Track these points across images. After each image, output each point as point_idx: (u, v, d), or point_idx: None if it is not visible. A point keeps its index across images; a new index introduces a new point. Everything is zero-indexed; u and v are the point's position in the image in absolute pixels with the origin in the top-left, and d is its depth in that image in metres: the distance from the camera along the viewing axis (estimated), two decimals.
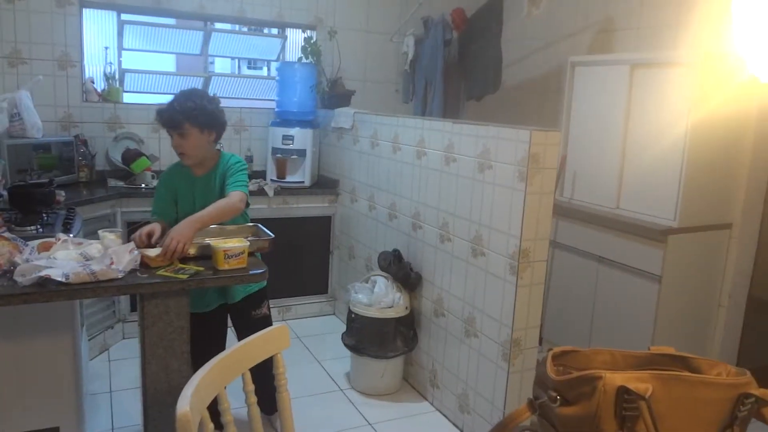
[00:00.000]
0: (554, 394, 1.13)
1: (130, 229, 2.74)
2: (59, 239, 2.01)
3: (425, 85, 4.21)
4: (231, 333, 2.65)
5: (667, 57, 2.97)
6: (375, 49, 4.51)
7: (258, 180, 3.94)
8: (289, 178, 4.01)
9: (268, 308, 2.62)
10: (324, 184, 4.14)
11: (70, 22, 3.66)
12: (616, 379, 1.06)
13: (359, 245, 3.81)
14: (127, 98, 3.98)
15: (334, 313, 4.19)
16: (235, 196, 2.30)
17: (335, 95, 4.12)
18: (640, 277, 3.00)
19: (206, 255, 2.13)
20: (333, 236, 4.12)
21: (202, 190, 2.45)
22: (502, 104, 4.34)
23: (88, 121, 3.78)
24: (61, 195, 2.92)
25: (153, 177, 3.65)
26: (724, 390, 1.09)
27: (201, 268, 2.04)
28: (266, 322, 2.54)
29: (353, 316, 3.09)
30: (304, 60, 4.08)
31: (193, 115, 2.30)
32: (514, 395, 2.52)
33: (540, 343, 2.68)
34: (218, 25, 4.33)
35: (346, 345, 3.12)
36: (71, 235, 2.14)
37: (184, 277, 1.96)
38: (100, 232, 2.14)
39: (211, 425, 1.24)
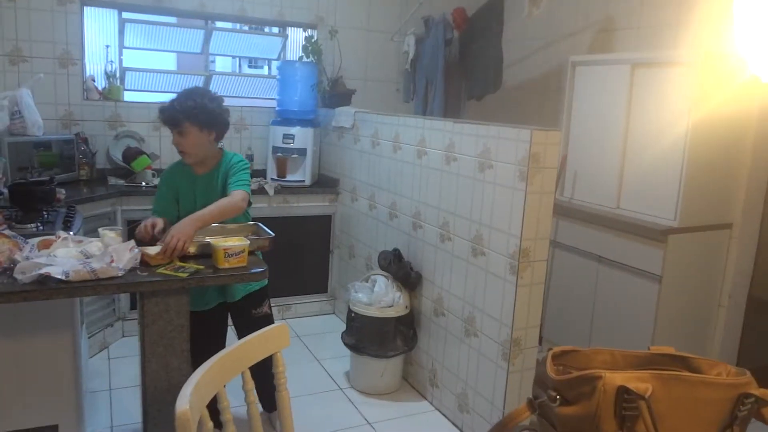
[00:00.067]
0: (554, 393, 1.13)
1: (130, 227, 2.75)
2: (59, 237, 2.01)
3: (426, 84, 4.21)
4: (232, 332, 2.66)
5: (667, 56, 2.97)
6: (376, 48, 4.51)
7: (258, 179, 3.94)
8: (289, 177, 4.01)
9: (270, 307, 2.62)
10: (324, 183, 4.13)
11: (71, 20, 3.66)
12: (616, 378, 1.06)
13: (359, 244, 3.81)
14: (128, 96, 3.98)
15: (334, 312, 4.19)
16: (237, 195, 2.30)
17: (336, 94, 4.12)
18: (640, 277, 3.00)
19: (206, 253, 2.13)
20: (333, 235, 4.12)
21: (204, 189, 2.45)
22: (503, 104, 4.34)
23: (88, 119, 3.78)
24: (61, 193, 2.92)
25: (153, 175, 3.65)
26: (724, 390, 1.09)
27: (201, 267, 2.04)
28: (267, 321, 2.54)
29: (353, 315, 3.09)
30: (304, 59, 4.08)
31: (192, 113, 2.31)
32: (514, 395, 2.52)
33: (540, 342, 2.68)
34: (219, 24, 4.33)
35: (345, 344, 3.12)
36: (71, 233, 2.14)
37: (185, 275, 1.96)
38: (100, 230, 2.15)
39: (211, 424, 1.24)
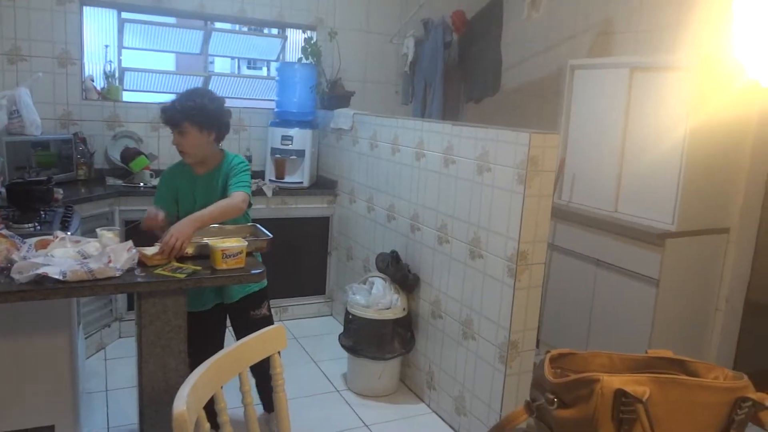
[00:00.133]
0: (551, 396, 1.12)
1: (128, 227, 2.74)
2: (57, 237, 2.01)
3: (425, 86, 4.21)
4: (231, 333, 2.65)
5: (666, 60, 2.98)
6: (375, 51, 4.51)
7: (257, 180, 3.93)
8: (287, 179, 4.00)
9: (269, 309, 2.61)
10: (323, 185, 4.13)
11: (70, 20, 3.65)
12: (613, 382, 1.06)
13: (357, 246, 3.81)
14: (127, 97, 3.98)
15: (331, 314, 4.19)
16: (237, 197, 2.30)
17: (335, 96, 4.12)
18: (638, 281, 3.01)
19: (204, 254, 2.12)
20: (331, 237, 4.11)
21: (203, 189, 2.45)
22: (502, 107, 4.34)
23: (87, 119, 3.77)
24: (59, 193, 2.92)
25: (152, 176, 3.65)
26: (722, 394, 1.09)
27: (199, 268, 2.03)
28: (266, 323, 2.52)
29: (351, 317, 3.08)
30: (304, 60, 4.09)
31: (192, 114, 2.32)
32: (511, 398, 2.52)
33: (537, 345, 2.68)
34: (218, 25, 4.33)
35: (343, 346, 3.12)
36: (69, 233, 2.14)
37: (182, 276, 1.95)
38: (98, 230, 2.14)
39: (208, 425, 1.24)
